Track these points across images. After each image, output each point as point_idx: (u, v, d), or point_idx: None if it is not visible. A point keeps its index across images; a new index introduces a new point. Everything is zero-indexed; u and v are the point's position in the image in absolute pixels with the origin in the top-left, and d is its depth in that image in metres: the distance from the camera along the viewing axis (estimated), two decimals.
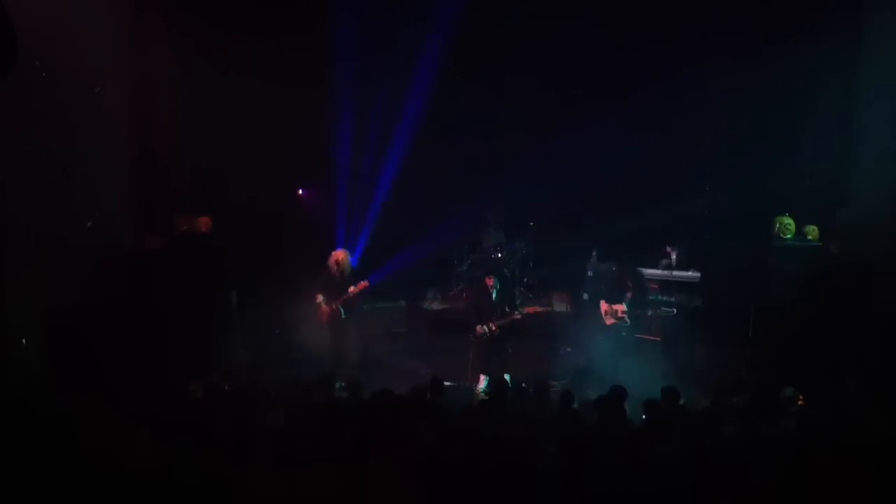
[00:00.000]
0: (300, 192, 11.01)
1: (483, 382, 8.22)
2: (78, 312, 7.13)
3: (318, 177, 10.79)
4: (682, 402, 6.24)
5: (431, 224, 10.83)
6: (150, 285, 8.03)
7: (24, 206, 6.68)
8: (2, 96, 6.06)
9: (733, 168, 9.63)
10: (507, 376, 7.72)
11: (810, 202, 8.52)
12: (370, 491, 4.64)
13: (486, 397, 7.18)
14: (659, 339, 8.83)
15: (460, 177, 10.97)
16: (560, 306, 10.96)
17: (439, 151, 10.75)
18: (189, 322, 7.92)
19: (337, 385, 6.99)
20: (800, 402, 6.14)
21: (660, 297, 9.38)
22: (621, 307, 8.28)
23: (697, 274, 9.68)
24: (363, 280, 8.76)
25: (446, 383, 6.75)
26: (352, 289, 8.63)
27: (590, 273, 10.43)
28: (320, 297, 8.69)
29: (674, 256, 10.03)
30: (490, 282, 8.47)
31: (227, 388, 6.66)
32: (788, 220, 7.78)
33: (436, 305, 11.28)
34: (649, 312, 8.48)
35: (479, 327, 8.23)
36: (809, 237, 7.83)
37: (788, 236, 7.76)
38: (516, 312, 8.25)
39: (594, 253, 10.53)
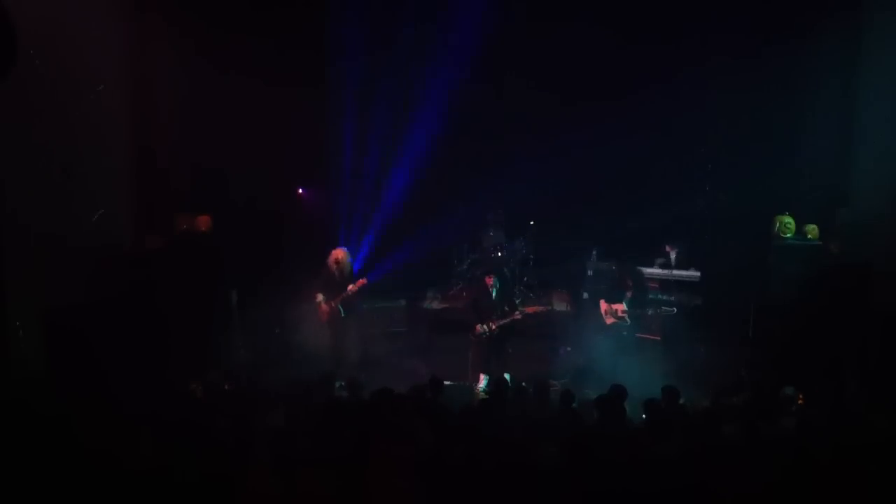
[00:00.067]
0: (300, 191, 10.99)
1: (483, 382, 8.21)
2: (78, 312, 7.14)
3: (318, 177, 10.80)
4: (682, 401, 6.24)
5: (431, 224, 10.83)
6: (150, 285, 8.02)
7: (24, 206, 6.69)
8: (2, 96, 6.06)
9: (733, 168, 9.62)
10: (506, 376, 7.70)
11: (810, 202, 8.52)
12: (370, 491, 4.64)
13: (486, 397, 7.16)
14: (659, 338, 8.84)
15: (460, 177, 10.97)
16: (560, 306, 10.98)
17: (439, 151, 10.73)
18: (189, 322, 7.92)
19: (337, 385, 6.98)
20: (800, 402, 6.13)
21: (660, 297, 9.37)
22: (621, 307, 8.28)
23: (697, 273, 9.69)
24: (362, 278, 8.78)
25: (446, 383, 6.74)
26: (351, 287, 8.63)
27: (590, 272, 10.46)
28: (320, 297, 8.70)
29: (673, 256, 10.04)
30: (490, 281, 8.46)
31: (227, 387, 6.63)
32: (788, 220, 7.79)
33: (436, 305, 11.28)
34: (649, 312, 8.46)
35: (478, 327, 8.23)
36: (809, 237, 7.85)
37: (788, 235, 7.77)
38: (516, 312, 8.25)
39: (594, 252, 10.55)
